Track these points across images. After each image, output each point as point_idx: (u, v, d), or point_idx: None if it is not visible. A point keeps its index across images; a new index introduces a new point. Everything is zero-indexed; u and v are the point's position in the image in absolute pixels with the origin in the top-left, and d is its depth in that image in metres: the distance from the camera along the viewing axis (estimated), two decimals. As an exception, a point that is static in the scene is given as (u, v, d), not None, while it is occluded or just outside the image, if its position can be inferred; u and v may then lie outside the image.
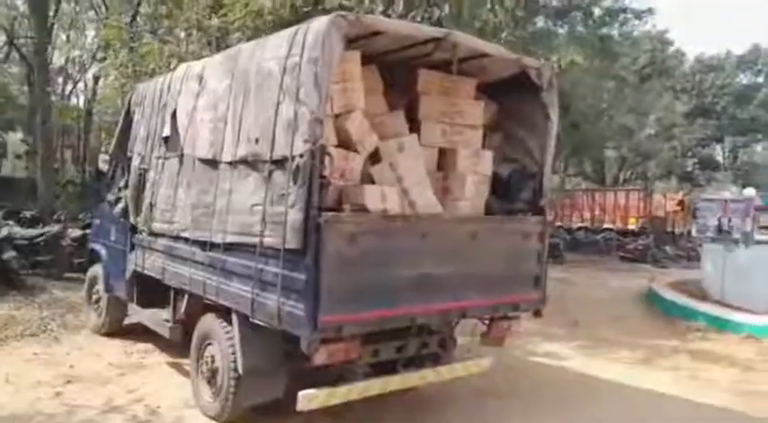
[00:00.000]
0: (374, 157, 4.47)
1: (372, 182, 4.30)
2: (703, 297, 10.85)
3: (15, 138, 35.14)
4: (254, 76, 4.26)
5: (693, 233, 25.91)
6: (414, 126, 4.82)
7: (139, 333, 6.98)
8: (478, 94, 5.18)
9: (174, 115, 5.31)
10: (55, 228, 11.11)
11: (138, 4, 13.62)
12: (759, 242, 11.51)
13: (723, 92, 38.46)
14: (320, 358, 3.85)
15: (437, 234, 4.22)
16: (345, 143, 4.19)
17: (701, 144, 37.76)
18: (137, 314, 6.42)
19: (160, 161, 5.60)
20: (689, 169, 37.99)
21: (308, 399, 4.00)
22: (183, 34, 9.06)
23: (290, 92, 3.84)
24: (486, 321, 5.02)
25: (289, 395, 4.44)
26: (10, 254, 9.84)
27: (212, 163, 4.71)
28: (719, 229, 25.29)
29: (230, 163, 4.49)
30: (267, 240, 4.01)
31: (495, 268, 4.63)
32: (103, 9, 21.15)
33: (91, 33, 23.66)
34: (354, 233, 3.78)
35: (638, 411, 5.60)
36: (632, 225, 25.11)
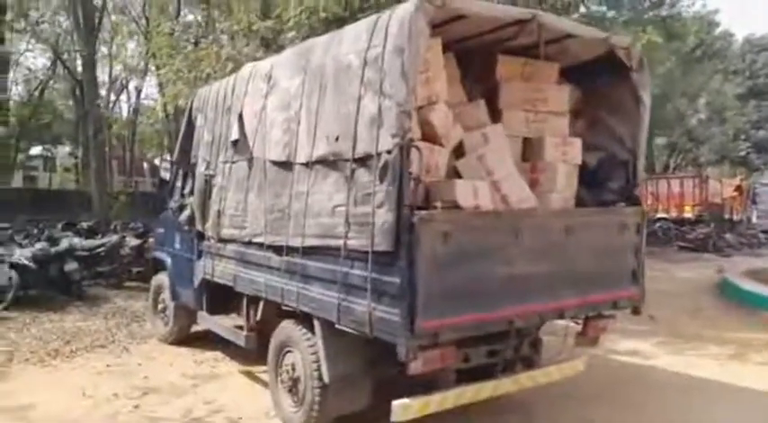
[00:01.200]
0: (458, 151, 4.21)
1: (459, 176, 4.05)
2: (786, 286, 10.25)
3: (64, 152, 36.18)
4: (330, 72, 4.05)
5: (754, 219, 25.06)
6: (495, 116, 4.54)
7: (207, 341, 6.89)
8: (560, 79, 4.86)
9: (240, 118, 5.15)
10: (114, 238, 11.20)
11: (178, 15, 13.69)
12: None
13: (776, 72, 36.89)
14: (417, 367, 3.61)
15: (532, 230, 3.94)
16: (430, 136, 3.93)
17: (756, 126, 36.25)
18: (207, 322, 6.30)
19: (227, 165, 5.45)
20: (743, 153, 36.59)
21: (403, 409, 3.76)
22: (227, 38, 8.96)
23: (373, 85, 3.61)
24: (580, 320, 4.70)
25: (373, 405, 4.24)
26: (72, 266, 9.94)
27: (286, 165, 4.53)
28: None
29: (306, 164, 4.29)
30: (352, 243, 3.79)
31: (592, 264, 4.31)
32: (143, 21, 21.53)
33: (131, 46, 24.12)
34: (449, 232, 3.52)
35: (749, 410, 5.18)
36: (688, 213, 24.25)
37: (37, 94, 25.98)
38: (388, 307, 3.54)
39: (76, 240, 11.38)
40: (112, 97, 30.11)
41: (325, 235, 4.07)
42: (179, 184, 6.79)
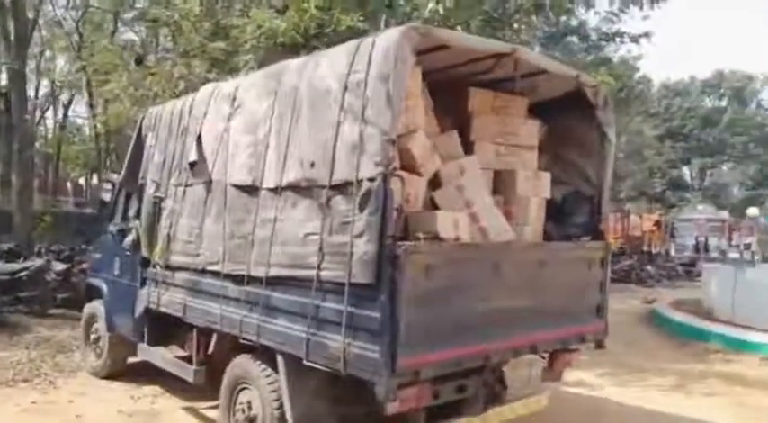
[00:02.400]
0: (433, 182, 4.13)
1: (435, 207, 3.96)
2: (710, 317, 10.74)
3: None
4: (305, 95, 3.90)
5: (672, 252, 26.43)
6: (466, 148, 4.51)
7: (144, 375, 6.42)
8: (528, 114, 4.91)
9: (199, 139, 4.89)
10: (38, 262, 10.42)
11: (114, 32, 13.16)
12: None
13: (690, 115, 39.65)
14: (393, 407, 3.43)
15: (510, 263, 3.90)
16: (409, 166, 3.84)
17: (671, 165, 38.65)
18: (148, 355, 5.87)
19: (181, 189, 5.15)
20: (660, 190, 38.79)
21: None
22: (177, 57, 8.65)
23: (354, 111, 3.50)
24: (546, 355, 4.68)
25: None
26: (-14, 291, 9.15)
27: (251, 189, 4.31)
28: (697, 249, 25.64)
29: (274, 189, 4.09)
30: (326, 273, 3.61)
31: (562, 298, 4.32)
32: (76, 37, 20.58)
33: (61, 62, 22.99)
34: (431, 264, 3.42)
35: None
36: (612, 246, 25.30)
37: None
38: (367, 343, 3.37)
39: (-5, 264, 10.55)
40: (38, 114, 28.59)
41: (293, 264, 3.87)
42: (121, 206, 6.38)
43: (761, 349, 8.67)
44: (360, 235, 3.40)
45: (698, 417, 5.99)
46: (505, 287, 3.86)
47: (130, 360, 6.52)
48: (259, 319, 4.18)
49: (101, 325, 6.69)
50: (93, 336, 6.90)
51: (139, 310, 5.75)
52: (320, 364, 3.67)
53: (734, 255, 20.43)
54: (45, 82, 23.90)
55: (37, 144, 25.45)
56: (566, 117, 4.92)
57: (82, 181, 31.52)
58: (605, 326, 4.71)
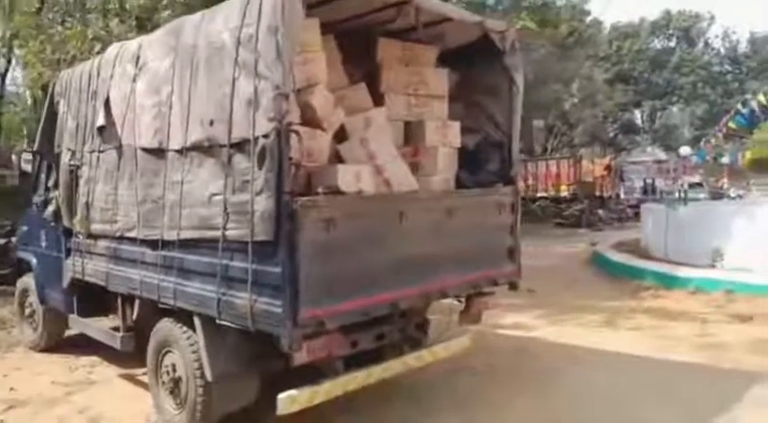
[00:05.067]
0: (340, 135, 4.14)
1: (341, 161, 3.98)
2: (646, 256, 11.14)
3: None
4: (202, 52, 3.81)
5: (622, 195, 27.17)
6: (376, 99, 4.51)
7: (83, 346, 6.38)
8: (438, 63, 4.91)
9: (107, 103, 4.76)
10: (-1, 241, 10.11)
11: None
12: (694, 199, 11.99)
13: (639, 57, 39.99)
14: (301, 357, 3.54)
15: (415, 213, 3.96)
16: (310, 121, 3.83)
17: (622, 109, 39.19)
18: (79, 325, 5.84)
19: (95, 155, 5.04)
20: (611, 134, 39.45)
21: (290, 401, 3.66)
22: (99, 17, 8.29)
23: (248, 66, 3.44)
24: (463, 299, 4.82)
25: (264, 400, 4.12)
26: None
27: (158, 152, 4.24)
28: (645, 190, 26.40)
29: (179, 151, 4.04)
30: (231, 233, 3.62)
31: (472, 244, 4.43)
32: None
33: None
34: (331, 218, 3.45)
35: (621, 374, 5.56)
36: (564, 192, 25.85)
37: None
38: (270, 298, 3.42)
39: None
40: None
41: (201, 226, 3.87)
42: (43, 176, 6.22)
43: (689, 284, 9.04)
44: (259, 192, 3.40)
45: (613, 349, 6.29)
46: (411, 236, 3.94)
47: (70, 332, 6.48)
48: (175, 283, 4.19)
49: (33, 299, 6.60)
50: (27, 310, 6.81)
51: (66, 281, 5.68)
52: (231, 323, 3.72)
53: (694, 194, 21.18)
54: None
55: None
56: (475, 64, 4.94)
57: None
58: (518, 268, 4.86)
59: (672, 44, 43.69)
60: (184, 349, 4.18)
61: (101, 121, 4.74)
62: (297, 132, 3.40)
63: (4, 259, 10.19)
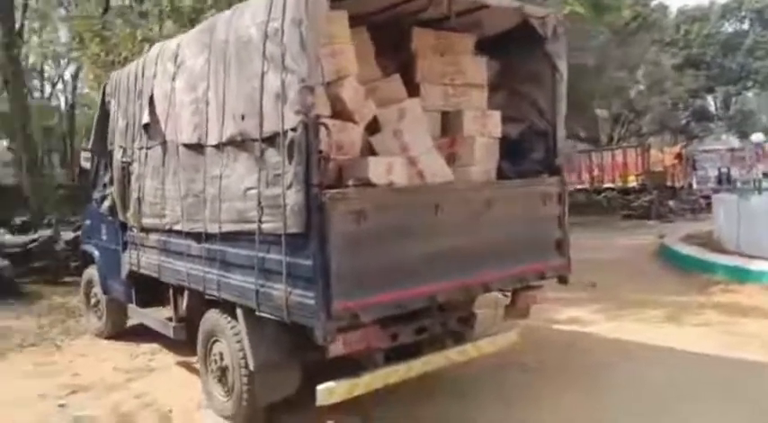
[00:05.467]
0: (373, 127, 4.11)
1: (374, 153, 3.95)
2: (718, 249, 10.57)
3: (2, 146, 34.62)
4: (233, 47, 3.87)
5: (694, 185, 25.91)
6: (412, 90, 4.45)
7: (145, 334, 6.65)
8: (477, 52, 4.80)
9: (151, 101, 4.92)
10: (46, 233, 10.74)
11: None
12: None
13: (709, 41, 37.88)
14: (337, 349, 3.54)
15: (451, 204, 3.89)
16: (340, 113, 3.82)
17: (693, 96, 37.26)
18: (137, 315, 6.10)
19: (143, 152, 5.22)
20: (683, 122, 37.60)
21: (328, 392, 3.69)
22: (155, 19, 8.58)
23: (275, 59, 3.47)
24: (509, 293, 4.71)
25: (307, 390, 4.16)
26: (2, 263, 9.51)
27: (198, 147, 4.35)
28: (719, 180, 25.10)
29: (217, 146, 4.12)
30: (266, 226, 3.67)
31: (516, 236, 4.31)
32: (74, 6, 20.50)
33: (64, 32, 22.95)
34: (362, 210, 3.44)
35: (679, 371, 5.29)
36: (632, 183, 24.92)
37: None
38: (304, 290, 3.45)
39: (7, 237, 10.94)
40: (48, 88, 28.85)
41: (239, 220, 3.94)
42: (100, 173, 6.51)
43: (763, 278, 8.52)
44: (290, 186, 3.43)
45: (674, 345, 5.97)
46: (448, 228, 3.87)
47: (133, 321, 6.76)
48: (218, 275, 4.29)
49: (97, 289, 6.93)
50: (92, 300, 7.17)
51: (124, 272, 5.94)
52: (269, 314, 3.78)
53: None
54: (50, 52, 23.95)
55: (53, 118, 25.82)
56: (516, 52, 4.80)
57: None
58: (567, 262, 4.70)
59: (745, 27, 41.04)
60: (230, 339, 4.28)
61: (146, 118, 4.91)
62: (325, 125, 3.40)
63: (76, 252, 10.79)
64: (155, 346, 6.51)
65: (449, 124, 4.52)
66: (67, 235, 10.94)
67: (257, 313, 3.88)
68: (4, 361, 6.44)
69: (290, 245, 3.50)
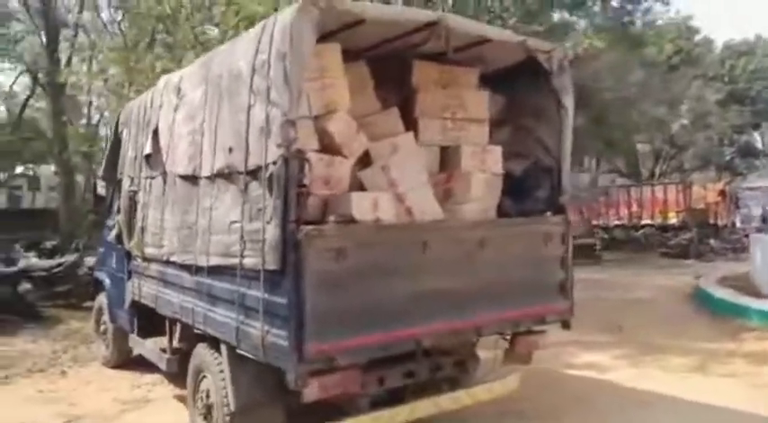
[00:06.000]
0: (365, 162, 4.00)
1: (363, 189, 3.83)
2: (754, 292, 10.02)
3: (48, 170, 35.93)
4: (225, 80, 3.85)
5: (738, 224, 24.96)
6: (412, 124, 4.34)
7: (151, 364, 6.61)
8: (482, 86, 4.68)
9: (155, 131, 4.94)
10: (71, 258, 10.94)
11: (154, 31, 13.43)
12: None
13: (756, 76, 36.90)
14: (312, 394, 3.39)
15: (440, 243, 3.72)
16: (329, 147, 3.73)
17: (738, 131, 36.24)
18: (136, 345, 6.05)
19: (147, 181, 5.24)
20: (727, 158, 36.58)
21: None
22: (180, 50, 8.77)
23: (261, 93, 3.42)
24: (508, 337, 4.48)
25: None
26: (25, 287, 9.70)
27: (192, 179, 4.31)
28: (764, 219, 24.15)
29: (209, 177, 4.07)
30: (247, 261, 3.57)
31: (513, 277, 4.10)
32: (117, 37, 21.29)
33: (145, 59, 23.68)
34: (341, 247, 3.31)
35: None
36: (672, 220, 24.18)
37: (17, 112, 25.68)
38: (279, 330, 3.32)
39: (34, 260, 11.16)
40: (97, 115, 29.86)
41: (225, 253, 3.85)
42: (113, 201, 6.57)
43: (801, 326, 8.02)
44: (269, 220, 3.33)
45: (694, 396, 5.58)
46: (436, 268, 3.70)
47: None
48: (204, 309, 4.21)
49: (106, 317, 6.94)
50: (102, 327, 7.18)
51: (127, 301, 5.92)
52: (248, 353, 3.65)
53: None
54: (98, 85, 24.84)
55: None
56: (522, 86, 4.66)
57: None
58: (570, 305, 4.46)
59: (792, 63, 39.94)
60: (216, 376, 4.16)
61: (148, 149, 4.92)
62: (306, 159, 3.30)
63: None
64: (157, 376, 6.43)
65: (447, 159, 4.38)
66: (91, 260, 11.11)
67: (237, 351, 3.76)
68: (11, 385, 6.46)
69: (267, 281, 3.39)
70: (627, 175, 32.48)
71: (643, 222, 24.90)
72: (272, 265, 3.31)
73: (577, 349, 7.59)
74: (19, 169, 33.69)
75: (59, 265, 10.67)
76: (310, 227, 3.24)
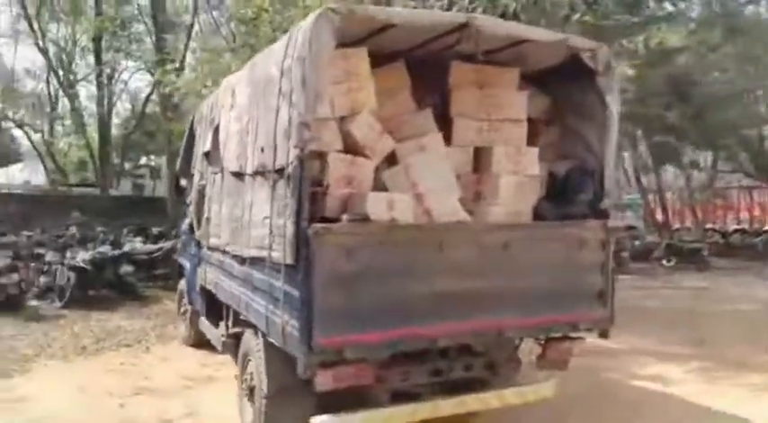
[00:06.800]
0: (394, 162, 4.08)
1: (386, 189, 3.91)
2: None
3: (169, 161, 38.60)
4: (263, 83, 4.08)
5: None
6: (448, 125, 4.37)
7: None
8: (526, 85, 4.61)
9: (216, 130, 5.29)
10: (170, 243, 11.85)
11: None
12: None
13: None
14: (323, 384, 3.54)
15: (458, 245, 3.73)
16: (352, 148, 3.86)
17: None
18: (203, 327, 6.51)
19: (212, 176, 5.62)
20: None
21: None
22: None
23: (287, 96, 3.60)
24: (542, 342, 4.40)
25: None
26: (126, 268, 10.65)
27: (240, 176, 4.60)
28: None
29: (251, 175, 4.33)
30: (274, 254, 3.78)
31: (542, 282, 4.02)
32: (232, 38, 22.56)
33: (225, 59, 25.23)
34: (352, 246, 3.43)
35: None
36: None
37: (140, 108, 27.96)
38: (295, 320, 3.50)
39: (138, 245, 12.20)
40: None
41: (260, 246, 4.09)
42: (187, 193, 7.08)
43: None
44: (289, 217, 3.51)
45: (758, 418, 5.18)
46: (455, 270, 3.70)
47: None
48: (247, 297, 4.48)
49: (185, 299, 7.51)
50: (182, 309, 7.78)
51: (197, 286, 6.39)
52: (274, 340, 3.87)
53: None
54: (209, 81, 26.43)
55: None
56: (568, 86, 4.53)
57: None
58: (610, 314, 4.28)
59: None
60: (258, 360, 4.43)
61: (208, 146, 5.28)
62: (323, 160, 3.44)
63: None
64: (227, 358, 6.86)
65: (481, 161, 4.36)
66: (185, 246, 11.98)
67: (268, 338, 4.00)
68: (100, 356, 7.19)
69: (287, 275, 3.58)
70: (753, 176, 29.75)
71: (766, 228, 22.91)
72: (289, 259, 3.49)
73: (650, 359, 7.25)
74: (143, 160, 36.63)
75: (159, 249, 11.60)
76: (320, 225, 3.38)
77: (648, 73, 13.60)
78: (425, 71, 4.50)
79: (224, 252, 5.23)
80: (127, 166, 32.80)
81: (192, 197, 6.33)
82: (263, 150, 3.92)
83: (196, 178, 6.18)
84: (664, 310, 10.95)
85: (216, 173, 5.46)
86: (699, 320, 9.62)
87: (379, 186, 3.95)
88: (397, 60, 4.37)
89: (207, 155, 5.35)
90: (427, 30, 3.95)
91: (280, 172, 3.70)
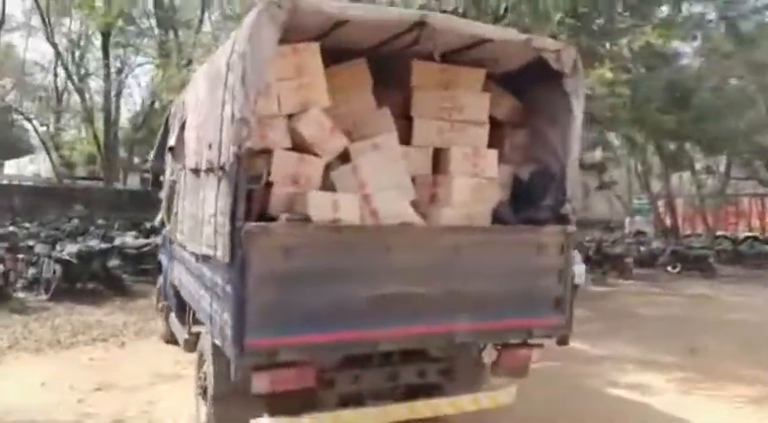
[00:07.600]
0: (346, 160, 3.97)
1: (334, 189, 3.81)
2: None
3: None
4: (214, 78, 3.98)
5: None
6: (409, 125, 4.25)
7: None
8: (495, 87, 4.48)
9: (183, 126, 5.21)
10: (160, 237, 11.80)
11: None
12: None
13: None
14: (261, 387, 3.45)
15: (404, 247, 3.61)
16: (301, 146, 3.75)
17: None
18: (172, 324, 6.45)
19: (178, 172, 5.54)
20: None
21: None
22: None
23: (231, 91, 3.49)
24: (498, 348, 4.28)
25: None
26: (114, 262, 10.63)
27: (196, 172, 4.51)
28: None
29: (205, 171, 4.24)
30: (218, 253, 3.68)
31: (496, 287, 3.89)
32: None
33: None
34: (289, 246, 3.32)
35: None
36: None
37: (148, 104, 28.09)
38: (228, 321, 3.41)
39: (129, 239, 12.18)
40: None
41: (208, 244, 3.99)
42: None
43: None
44: (226, 215, 3.42)
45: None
46: (399, 272, 3.59)
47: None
48: (199, 296, 4.40)
49: (162, 295, 7.45)
50: (160, 305, 7.72)
51: (168, 282, 6.33)
52: (216, 341, 3.78)
53: None
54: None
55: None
56: (536, 88, 4.39)
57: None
58: (567, 321, 4.15)
59: None
60: (208, 360, 4.35)
61: (171, 142, 5.20)
62: (262, 158, 3.34)
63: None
64: (200, 355, 6.83)
65: (438, 161, 4.24)
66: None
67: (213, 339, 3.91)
68: (71, 351, 7.14)
69: (225, 274, 3.49)
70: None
71: (775, 236, 22.61)
72: (225, 258, 3.40)
73: (633, 368, 7.12)
74: (151, 155, 36.87)
75: (147, 244, 11.57)
76: (254, 224, 3.28)
77: (653, 77, 13.43)
78: (390, 69, 4.38)
79: (184, 248, 5.17)
80: (136, 160, 32.99)
81: (164, 192, 6.26)
82: (210, 147, 3.83)
83: (167, 173, 6.12)
84: (659, 317, 10.78)
85: (180, 169, 5.39)
86: (694, 329, 9.43)
87: (329, 185, 3.85)
88: (358, 57, 4.25)
89: (171, 150, 5.27)
90: (383, 27, 3.84)
91: (223, 169, 3.61)
